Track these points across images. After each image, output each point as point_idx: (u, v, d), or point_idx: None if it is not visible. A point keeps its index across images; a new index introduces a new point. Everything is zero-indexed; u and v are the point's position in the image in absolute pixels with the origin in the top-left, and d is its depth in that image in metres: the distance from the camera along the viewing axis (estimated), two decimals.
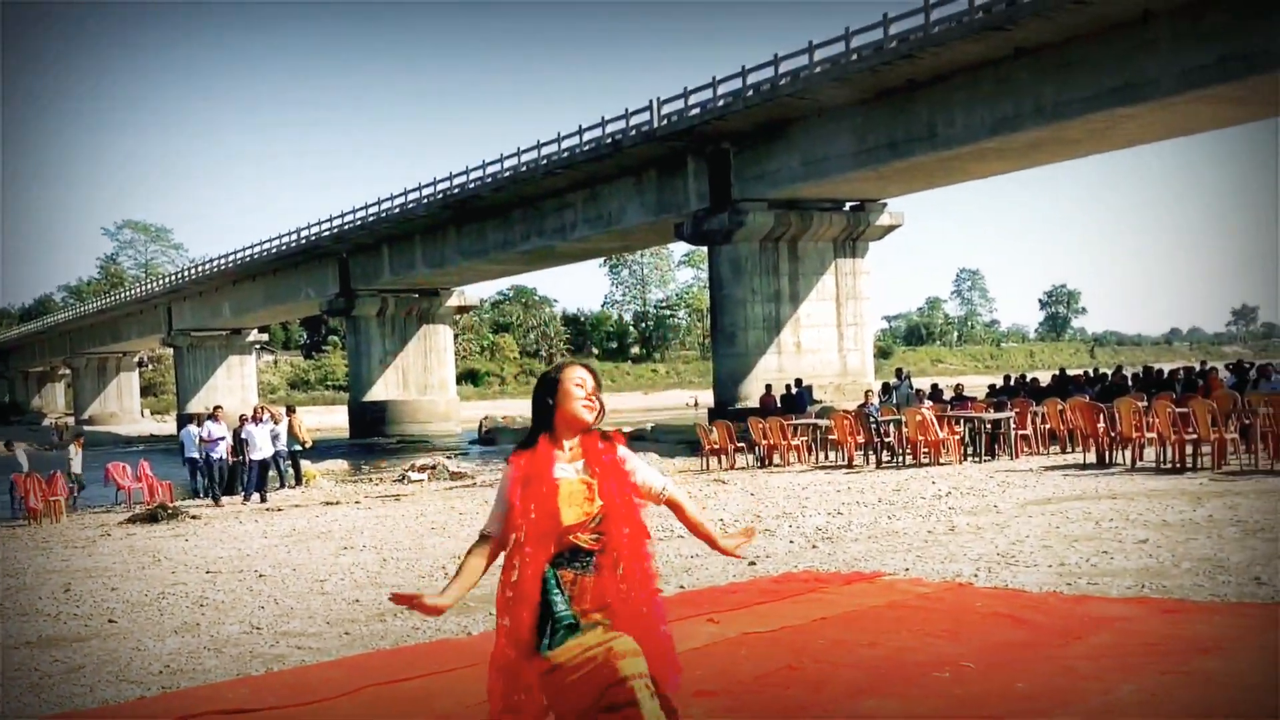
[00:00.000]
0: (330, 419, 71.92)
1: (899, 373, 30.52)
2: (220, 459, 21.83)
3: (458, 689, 6.30)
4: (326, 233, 58.92)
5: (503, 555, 3.87)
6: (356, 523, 16.05)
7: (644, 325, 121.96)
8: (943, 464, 20.00)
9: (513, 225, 49.48)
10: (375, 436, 57.59)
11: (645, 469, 3.99)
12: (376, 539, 13.86)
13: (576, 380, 3.91)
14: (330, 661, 7.32)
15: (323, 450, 37.89)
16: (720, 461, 23.52)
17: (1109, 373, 28.49)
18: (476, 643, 7.60)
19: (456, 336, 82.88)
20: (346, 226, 57.36)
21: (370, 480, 26.73)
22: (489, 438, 50.00)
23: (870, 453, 21.83)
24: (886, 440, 21.93)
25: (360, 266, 59.95)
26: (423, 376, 62.19)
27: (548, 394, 3.91)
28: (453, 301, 62.95)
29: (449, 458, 31.94)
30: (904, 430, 21.12)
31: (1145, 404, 18.38)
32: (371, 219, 55.36)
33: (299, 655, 7.57)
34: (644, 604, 3.82)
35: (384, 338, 61.24)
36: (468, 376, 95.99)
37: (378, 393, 61.09)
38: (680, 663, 3.90)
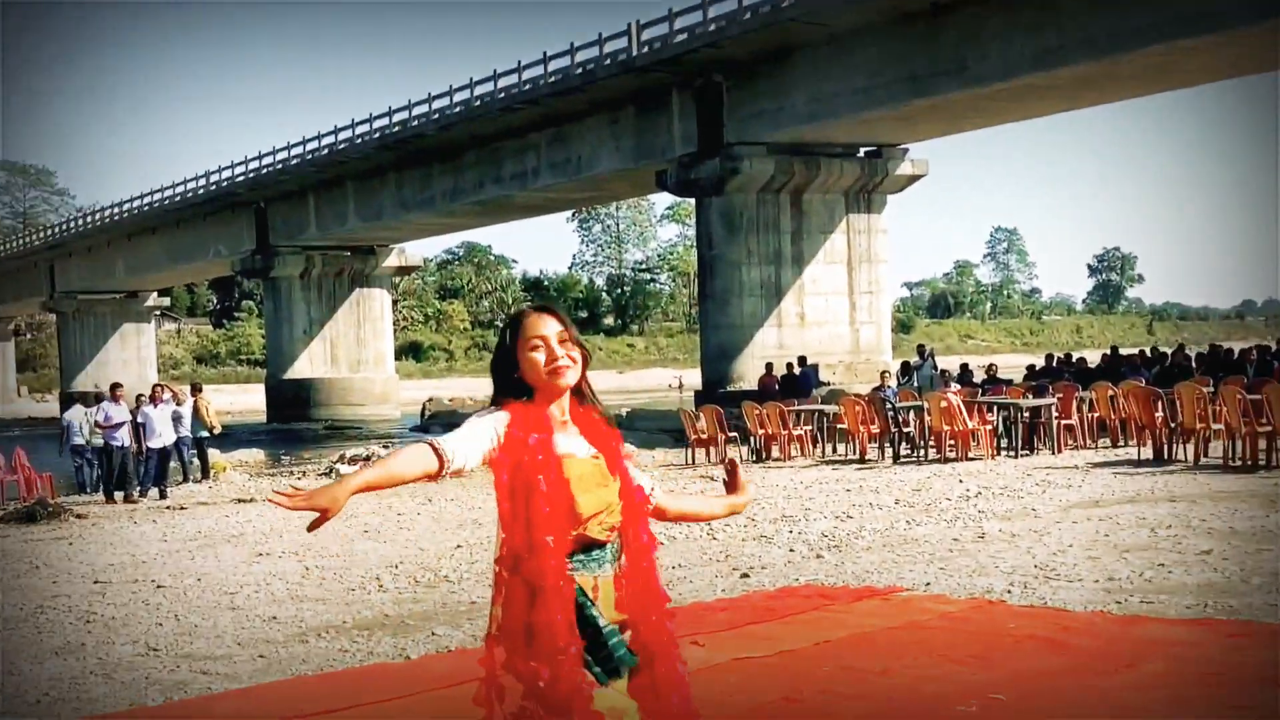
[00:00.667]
0: (244, 399, 71.68)
1: (921, 350, 30.59)
2: (122, 447, 21.75)
3: None
4: (241, 178, 58.62)
5: (500, 540, 3.57)
6: (274, 524, 16.02)
7: (619, 291, 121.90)
8: (972, 459, 20.08)
9: (464, 171, 49.33)
10: (298, 421, 57.48)
11: (632, 467, 3.76)
12: (298, 544, 13.82)
13: (532, 342, 3.56)
14: (240, 690, 7.31)
15: (234, 437, 37.79)
16: (709, 454, 23.57)
17: (1169, 352, 28.64)
18: (415, 668, 7.60)
19: (396, 303, 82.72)
20: (265, 171, 57.06)
21: (291, 474, 26.67)
22: (434, 424, 49.92)
23: (886, 445, 21.90)
24: (906, 431, 21.99)
25: (281, 219, 59.68)
26: (355, 350, 62.05)
27: (507, 366, 3.61)
28: (391, 261, 62.77)
29: (386, 447, 31.89)
30: (926, 419, 21.20)
31: (1211, 390, 18.48)
32: (295, 162, 55.09)
33: (204, 682, 7.56)
34: (663, 629, 3.63)
35: (309, 303, 61.07)
36: (409, 351, 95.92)
37: (301, 369, 60.92)
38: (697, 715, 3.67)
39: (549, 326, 3.58)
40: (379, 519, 16.03)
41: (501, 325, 3.77)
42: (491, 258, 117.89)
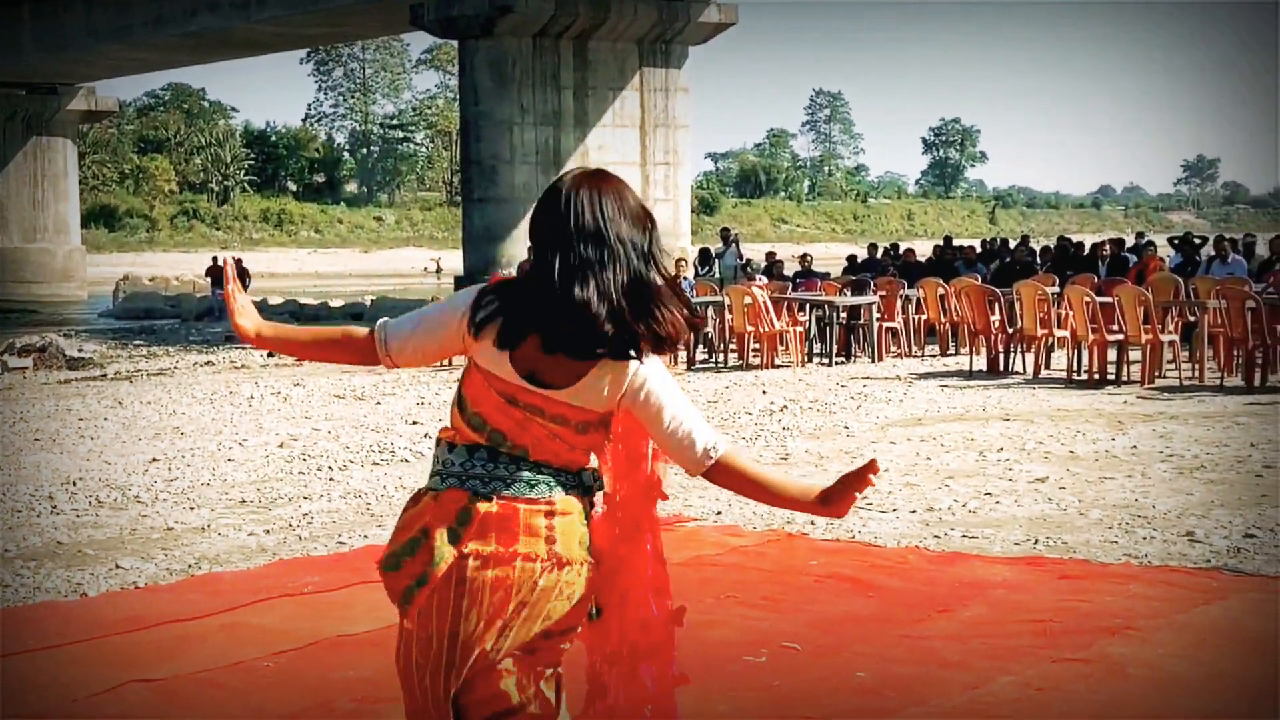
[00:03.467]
0: None
1: (725, 235, 30.95)
2: None
3: (62, 673, 6.21)
4: None
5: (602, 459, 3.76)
6: None
7: (365, 152, 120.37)
8: (778, 366, 20.41)
9: None
10: None
11: None
12: None
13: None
14: None
15: None
16: None
17: (1011, 245, 29.39)
18: (92, 607, 7.51)
19: (83, 156, 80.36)
20: None
21: None
22: (130, 309, 48.80)
23: (680, 347, 22.08)
24: (703, 331, 22.21)
25: None
26: (30, 214, 60.25)
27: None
28: (78, 104, 60.91)
29: (66, 335, 31.14)
30: (727, 317, 21.44)
31: (1056, 290, 19.04)
32: None
33: None
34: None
35: None
36: (100, 216, 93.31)
37: None
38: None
39: None
40: (55, 424, 15.67)
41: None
42: (205, 104, 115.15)
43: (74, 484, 11.50)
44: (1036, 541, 8.63)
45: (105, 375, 22.47)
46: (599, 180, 3.68)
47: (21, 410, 17.19)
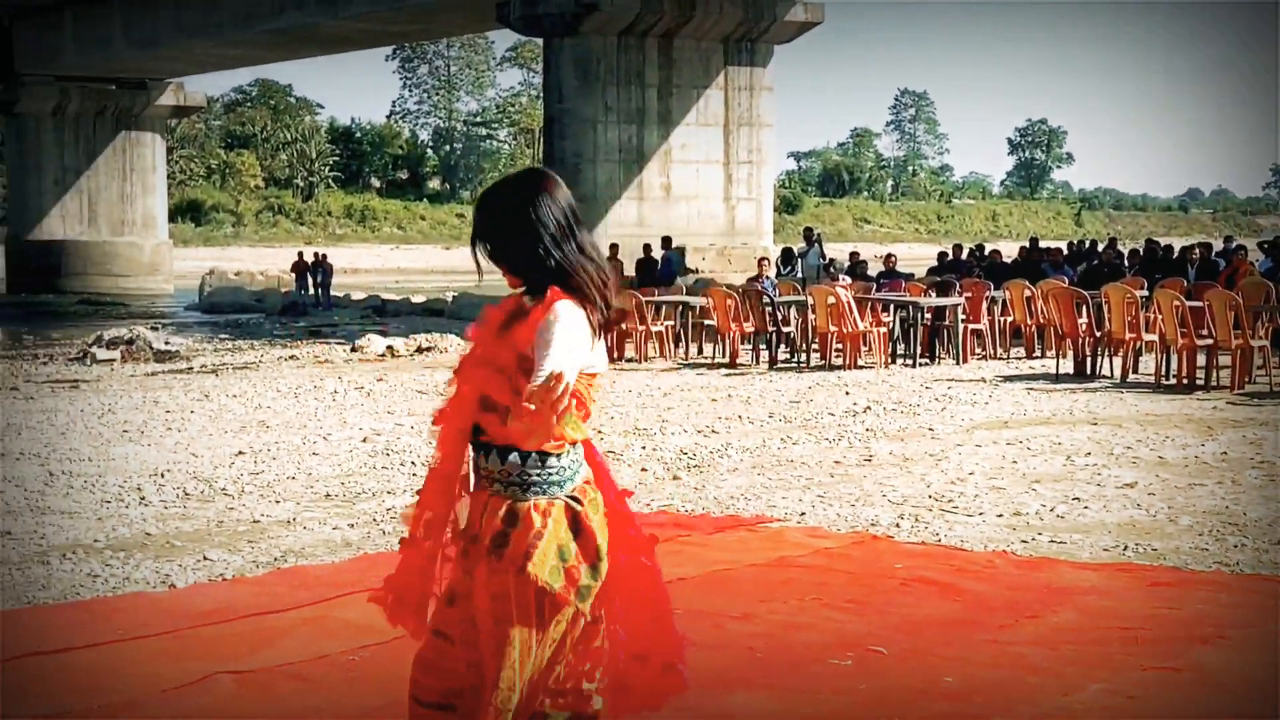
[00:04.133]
0: None
1: (808, 234, 30.84)
2: None
3: (150, 662, 6.25)
4: None
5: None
6: (12, 419, 15.74)
7: (449, 149, 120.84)
8: (862, 367, 20.33)
9: None
10: (45, 292, 56.31)
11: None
12: (41, 444, 13.61)
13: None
14: None
15: None
16: None
17: (1099, 247, 29.16)
18: (180, 599, 7.56)
19: (172, 151, 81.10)
20: None
21: (35, 357, 26.20)
22: (216, 303, 49.21)
23: (761, 347, 22.06)
24: (785, 331, 22.15)
25: (30, 40, 58.07)
26: (119, 208, 60.82)
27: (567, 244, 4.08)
28: (167, 99, 61.42)
29: (154, 328, 31.42)
30: (810, 317, 21.37)
31: (1145, 294, 18.87)
32: None
33: None
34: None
35: (63, 147, 59.62)
36: (187, 211, 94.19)
37: (51, 229, 59.59)
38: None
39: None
40: (143, 416, 15.80)
41: (547, 188, 4.08)
42: (292, 100, 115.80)
43: (162, 476, 11.59)
44: (1126, 548, 8.55)
45: (191, 368, 22.65)
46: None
47: (109, 402, 17.34)
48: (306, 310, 42.39)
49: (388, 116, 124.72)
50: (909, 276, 26.00)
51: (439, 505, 3.99)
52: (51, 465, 12.29)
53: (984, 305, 21.60)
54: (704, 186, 40.18)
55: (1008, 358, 21.19)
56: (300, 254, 50.38)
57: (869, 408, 15.48)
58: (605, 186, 39.03)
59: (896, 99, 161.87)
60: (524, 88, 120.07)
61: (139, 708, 5.78)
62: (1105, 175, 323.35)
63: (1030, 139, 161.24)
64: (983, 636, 6.60)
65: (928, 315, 21.33)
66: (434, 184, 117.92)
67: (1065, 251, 29.36)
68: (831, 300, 20.71)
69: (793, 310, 22.32)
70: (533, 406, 3.57)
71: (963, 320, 20.99)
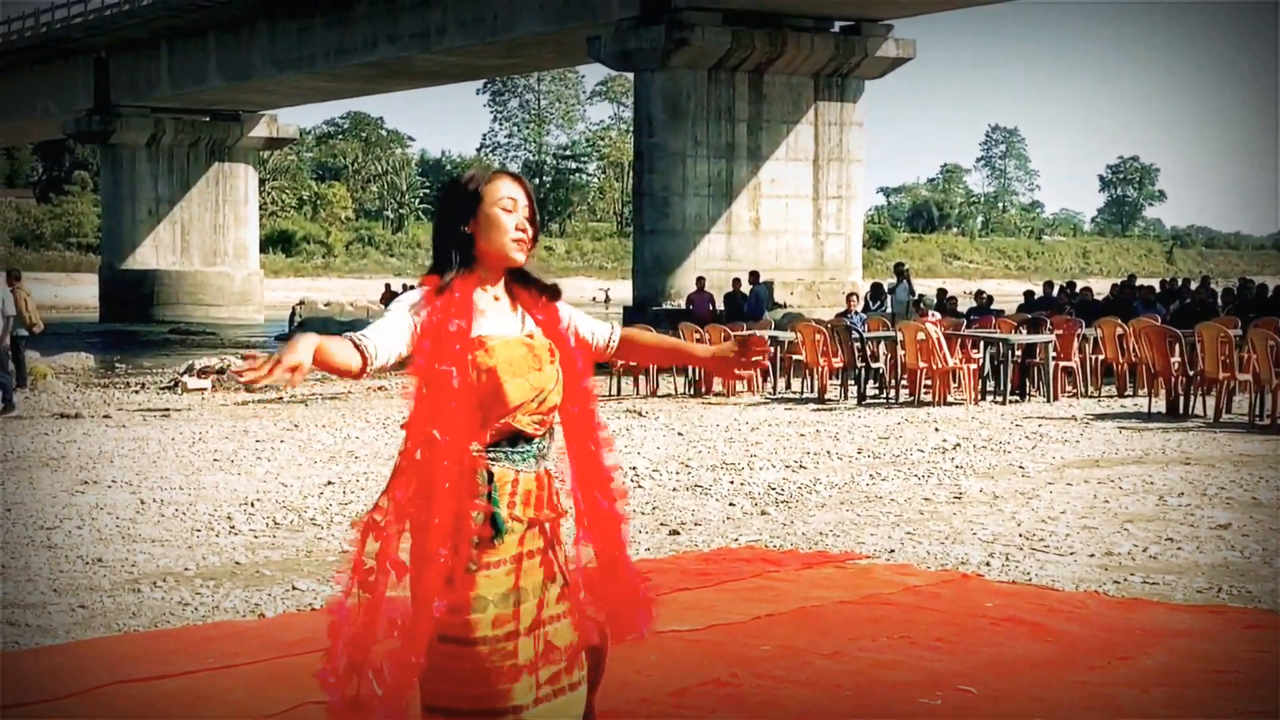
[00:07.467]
0: (73, 292, 70.96)
1: (898, 270, 30.77)
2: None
3: (239, 691, 6.28)
4: (79, 19, 57.65)
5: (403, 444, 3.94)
6: (104, 446, 15.90)
7: (538, 182, 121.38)
8: (951, 404, 20.23)
9: (352, 24, 48.75)
10: (138, 321, 56.95)
11: (584, 316, 4.24)
12: (132, 471, 13.73)
13: (505, 202, 3.93)
14: (55, 646, 7.26)
15: (59, 337, 37.40)
16: (637, 385, 23.59)
17: (1191, 286, 28.95)
18: (269, 628, 7.59)
19: (263, 182, 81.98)
20: (108, 12, 56.16)
21: (127, 385, 26.46)
22: (306, 333, 49.62)
23: (850, 382, 22.01)
24: (874, 366, 22.09)
25: (126, 72, 58.82)
26: (211, 238, 61.48)
27: (462, 217, 3.93)
28: (260, 130, 62.08)
29: (245, 358, 31.67)
30: (899, 353, 21.30)
31: (1239, 333, 18.66)
32: (146, 2, 54.24)
33: (10, 635, 7.50)
34: (607, 511, 4.17)
35: (157, 178, 60.36)
36: (278, 241, 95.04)
37: (144, 258, 60.29)
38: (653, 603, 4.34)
39: (520, 194, 3.94)
40: (233, 445, 15.94)
41: (458, 183, 4.04)
42: (383, 133, 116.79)
43: (251, 505, 11.68)
44: (1219, 590, 8.44)
45: (281, 398, 22.82)
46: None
47: (200, 431, 17.51)
48: None
49: (478, 149, 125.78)
50: (999, 313, 25.90)
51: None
52: (143, 493, 12.40)
53: (1075, 342, 21.46)
54: (793, 221, 40.19)
55: (1099, 396, 21.02)
56: (388, 285, 50.75)
57: (959, 444, 15.39)
58: (694, 220, 39.12)
59: (987, 135, 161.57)
60: (614, 121, 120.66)
61: None
62: (1198, 213, 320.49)
63: (1122, 176, 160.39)
64: (1073, 678, 6.54)
65: (1018, 352, 21.21)
66: None
67: (1157, 289, 29.16)
68: (921, 336, 20.64)
69: (881, 345, 22.24)
70: None
71: (1054, 357, 20.85)
